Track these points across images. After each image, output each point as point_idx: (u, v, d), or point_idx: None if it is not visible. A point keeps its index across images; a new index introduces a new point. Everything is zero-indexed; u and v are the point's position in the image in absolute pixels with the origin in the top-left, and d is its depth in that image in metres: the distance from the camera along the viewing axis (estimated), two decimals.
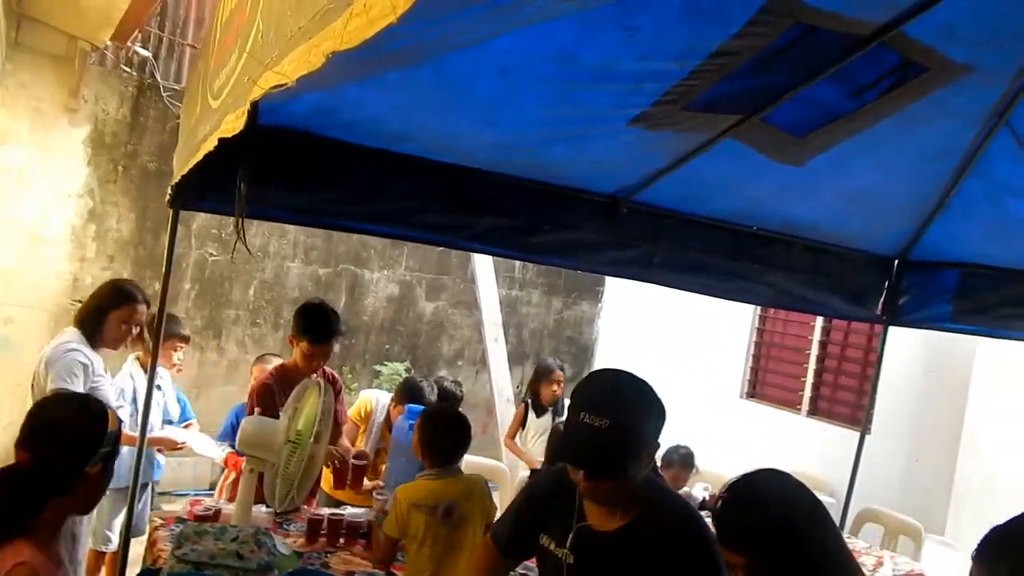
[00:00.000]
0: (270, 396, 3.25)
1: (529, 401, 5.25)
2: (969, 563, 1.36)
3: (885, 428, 5.80)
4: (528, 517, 2.05)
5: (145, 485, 3.96)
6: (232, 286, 6.74)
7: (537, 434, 5.21)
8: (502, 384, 6.97)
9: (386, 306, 7.53)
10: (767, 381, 7.30)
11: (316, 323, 3.44)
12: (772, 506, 1.55)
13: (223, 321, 6.72)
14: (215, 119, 1.50)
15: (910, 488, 5.53)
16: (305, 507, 3.36)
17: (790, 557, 1.49)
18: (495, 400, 6.92)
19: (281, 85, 1.03)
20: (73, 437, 1.73)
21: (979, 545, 1.35)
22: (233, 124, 1.31)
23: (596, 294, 8.86)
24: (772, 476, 1.62)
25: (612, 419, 1.70)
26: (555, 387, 5.12)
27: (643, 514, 1.81)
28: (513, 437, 5.35)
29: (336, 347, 4.94)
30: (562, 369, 5.25)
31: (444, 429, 2.88)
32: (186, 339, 4.17)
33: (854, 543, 4.41)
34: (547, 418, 5.21)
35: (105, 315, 3.42)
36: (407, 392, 4.02)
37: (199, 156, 1.76)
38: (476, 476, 3.00)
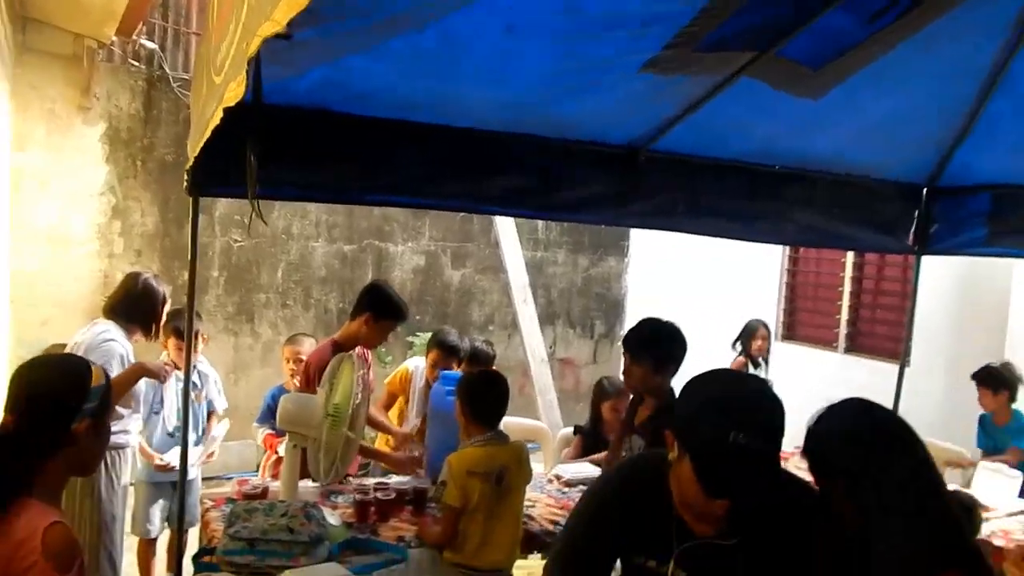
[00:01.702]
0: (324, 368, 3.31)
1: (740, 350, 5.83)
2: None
3: (924, 359, 5.74)
4: (615, 538, 1.74)
5: (192, 479, 4.03)
6: (260, 270, 6.80)
7: None
8: (535, 345, 6.99)
9: (413, 278, 7.56)
10: (801, 321, 7.25)
11: (399, 304, 3.67)
12: (872, 426, 1.55)
13: (254, 305, 6.79)
14: (219, 93, 1.49)
15: (951, 419, 5.47)
16: (350, 477, 3.42)
17: (870, 481, 1.48)
18: (529, 362, 6.94)
19: (277, 35, 1.03)
20: (53, 396, 1.70)
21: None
22: (235, 91, 1.30)
23: (622, 249, 8.81)
24: (853, 402, 1.61)
25: (769, 437, 1.49)
26: (761, 341, 5.81)
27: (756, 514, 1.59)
28: None
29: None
30: (766, 327, 5.93)
31: (484, 390, 2.90)
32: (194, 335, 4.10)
33: None
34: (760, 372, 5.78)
35: (138, 306, 3.52)
36: (437, 340, 4.11)
37: (207, 134, 1.76)
38: (520, 443, 3.02)
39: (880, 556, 1.45)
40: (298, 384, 3.72)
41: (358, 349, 3.47)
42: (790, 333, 7.31)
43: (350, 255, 7.16)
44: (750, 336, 5.90)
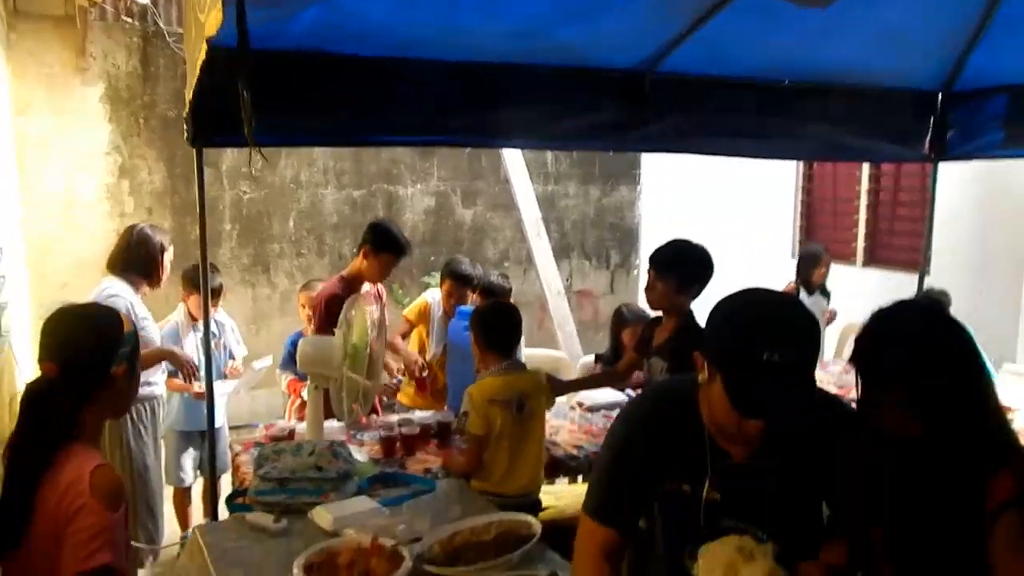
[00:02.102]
0: (340, 304, 3.37)
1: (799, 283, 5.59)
2: None
3: (945, 267, 5.68)
4: (646, 473, 1.70)
5: (219, 427, 4.11)
6: (271, 221, 6.80)
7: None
8: (551, 278, 6.98)
9: (424, 219, 7.54)
10: (818, 236, 7.18)
11: (397, 238, 3.72)
12: (933, 329, 1.46)
13: (269, 256, 6.82)
14: (204, 30, 1.47)
15: (976, 322, 5.43)
16: (374, 416, 3.48)
17: (958, 384, 1.41)
18: (546, 295, 6.94)
19: None
20: (94, 341, 1.78)
21: None
22: (214, 18, 1.29)
23: (633, 177, 8.71)
24: (921, 303, 1.57)
25: (801, 348, 1.45)
26: (823, 268, 5.52)
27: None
28: None
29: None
30: (828, 252, 5.66)
31: (497, 319, 2.92)
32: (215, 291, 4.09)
33: None
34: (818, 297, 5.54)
35: (136, 257, 3.57)
36: (450, 269, 4.15)
37: (197, 72, 1.74)
38: (538, 370, 3.05)
39: (935, 464, 1.43)
40: (312, 324, 3.78)
41: (371, 288, 3.50)
42: (807, 239, 7.27)
43: (360, 200, 7.14)
44: (811, 263, 5.52)
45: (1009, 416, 3.62)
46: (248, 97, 1.39)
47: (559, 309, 6.84)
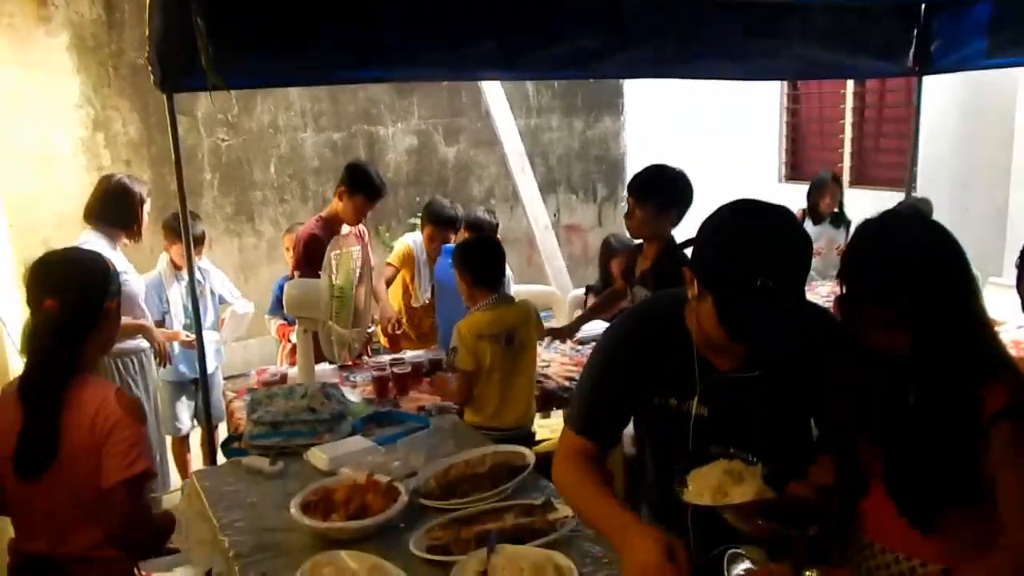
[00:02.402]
0: (318, 244, 3.39)
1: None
2: None
3: (931, 183, 5.67)
4: (628, 390, 1.70)
5: (212, 374, 4.11)
6: (252, 168, 6.71)
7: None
8: (537, 213, 6.95)
9: (407, 159, 7.45)
10: (805, 159, 7.16)
11: (372, 179, 3.74)
12: (921, 245, 1.40)
13: (252, 204, 6.74)
14: None
15: (962, 237, 5.45)
16: (365, 357, 3.48)
17: (948, 299, 1.37)
18: (533, 231, 6.92)
19: None
20: (89, 277, 1.95)
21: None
22: None
23: (617, 107, 8.60)
24: (907, 214, 1.49)
25: (794, 271, 1.44)
26: (828, 199, 5.32)
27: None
28: None
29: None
30: (836, 180, 5.46)
31: (480, 253, 2.91)
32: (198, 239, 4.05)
33: None
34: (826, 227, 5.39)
35: (114, 208, 3.52)
36: (428, 212, 4.12)
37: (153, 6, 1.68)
38: (526, 301, 3.05)
39: (925, 381, 1.42)
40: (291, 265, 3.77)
41: (352, 229, 3.49)
42: (794, 172, 7.23)
43: (340, 143, 7.04)
44: (816, 191, 5.37)
45: (997, 329, 3.66)
46: (203, 25, 1.34)
47: (547, 244, 6.83)
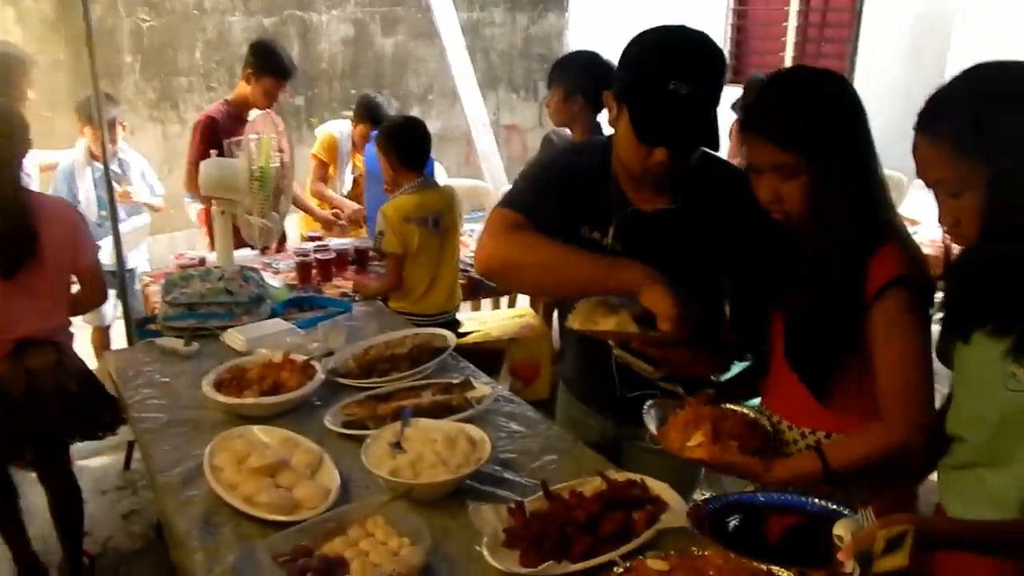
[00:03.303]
0: (214, 128, 3.33)
1: None
2: None
3: (870, 84, 5.69)
4: (562, 202, 1.67)
5: (131, 270, 3.95)
6: (176, 52, 6.34)
7: None
8: (476, 112, 6.77)
9: (343, 50, 7.14)
10: (750, 62, 7.12)
11: (280, 59, 3.54)
12: (837, 95, 1.37)
13: (176, 91, 6.41)
14: None
15: (896, 140, 5.54)
16: (290, 248, 3.40)
17: (846, 156, 1.34)
18: (472, 129, 6.77)
19: None
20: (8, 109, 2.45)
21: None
22: None
23: (562, 3, 8.34)
24: (818, 69, 1.43)
25: (708, 82, 1.45)
26: None
27: (693, 182, 1.61)
28: None
29: (300, 100, 4.77)
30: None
31: (405, 133, 2.82)
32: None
33: None
34: None
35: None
36: (365, 107, 3.96)
37: None
38: (449, 186, 2.99)
39: (823, 238, 1.39)
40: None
41: (265, 115, 3.33)
42: (737, 76, 7.17)
43: (271, 28, 6.69)
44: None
45: (912, 229, 3.75)
46: None
47: (484, 142, 6.69)
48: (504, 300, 4.16)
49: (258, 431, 1.76)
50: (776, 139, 1.35)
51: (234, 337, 2.31)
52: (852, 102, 1.38)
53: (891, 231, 1.39)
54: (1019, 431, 1.19)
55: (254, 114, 3.49)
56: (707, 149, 1.60)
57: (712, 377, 1.65)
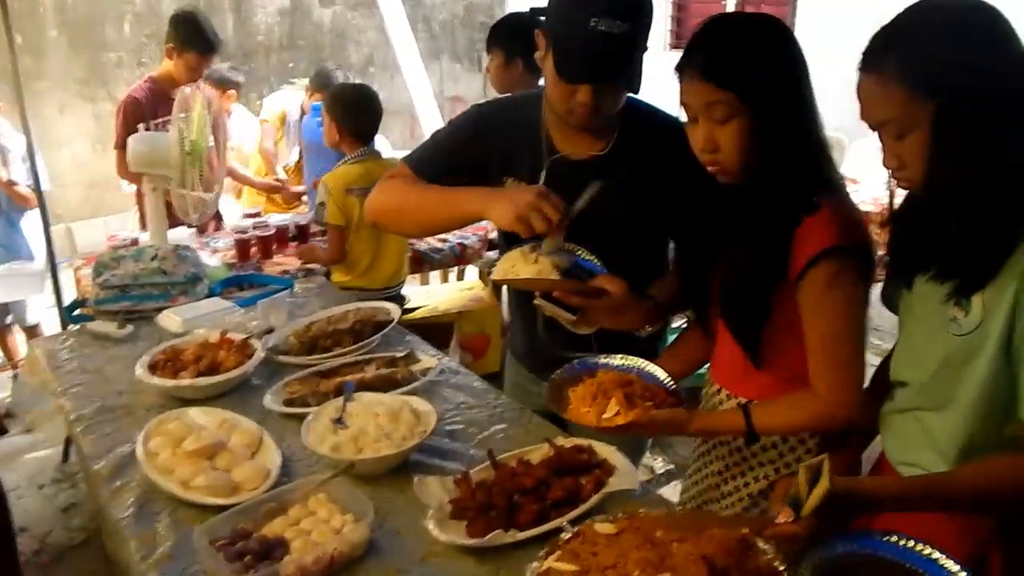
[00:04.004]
0: (138, 109, 3.21)
1: None
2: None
3: (812, 39, 5.74)
4: (477, 156, 1.68)
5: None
6: (104, 26, 6.12)
7: None
8: (419, 84, 6.67)
9: (279, 21, 6.96)
10: (690, 27, 7.11)
11: (203, 31, 3.38)
12: (777, 43, 1.32)
13: (105, 67, 6.19)
14: None
15: (826, 107, 5.61)
16: (228, 226, 3.30)
17: (784, 103, 1.29)
18: (415, 102, 6.66)
19: None
20: None
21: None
22: None
23: None
24: (760, 13, 1.40)
25: (631, 21, 1.43)
26: None
27: (623, 132, 1.61)
28: None
29: (241, 78, 4.63)
30: None
31: (356, 100, 2.75)
32: None
33: None
34: None
35: None
36: (321, 78, 3.87)
37: None
38: (394, 159, 2.92)
39: (756, 193, 1.35)
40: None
41: (194, 90, 3.22)
42: (677, 41, 7.20)
43: (203, 1, 6.48)
44: None
45: (852, 186, 3.81)
46: None
47: (429, 115, 6.60)
48: (453, 273, 4.12)
49: (195, 413, 1.70)
50: (710, 75, 1.30)
51: (169, 318, 2.23)
52: (793, 50, 1.34)
53: (828, 190, 1.35)
54: (958, 374, 1.19)
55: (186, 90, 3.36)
56: (636, 97, 1.59)
57: (639, 332, 1.62)
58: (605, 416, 1.42)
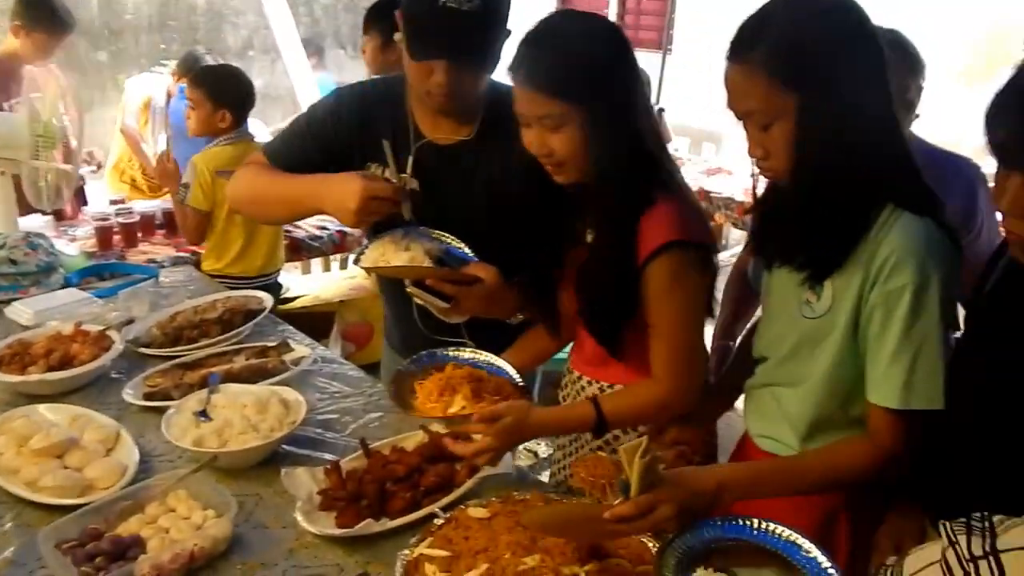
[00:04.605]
0: None
1: None
2: None
3: (687, 46, 5.92)
4: (338, 143, 1.63)
5: None
6: None
7: None
8: (301, 69, 6.48)
9: (150, 1, 6.62)
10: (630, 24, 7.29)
11: (53, 9, 3.16)
12: (601, 41, 1.30)
13: None
14: None
15: (710, 96, 5.79)
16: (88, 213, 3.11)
17: (615, 104, 1.27)
18: (296, 88, 6.47)
19: None
20: None
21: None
22: None
23: None
24: (585, 13, 1.36)
25: (482, 4, 1.41)
26: None
27: (490, 117, 1.58)
28: None
29: (104, 55, 4.38)
30: None
31: (229, 77, 2.64)
32: None
33: None
34: None
35: None
36: (189, 61, 3.68)
37: None
38: (267, 142, 2.82)
39: (594, 192, 1.34)
40: None
41: (45, 71, 3.02)
42: None
43: None
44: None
45: (727, 177, 3.95)
46: None
47: (311, 101, 6.41)
48: (335, 261, 4.02)
49: (44, 410, 1.59)
50: (538, 87, 1.27)
51: (19, 311, 2.07)
52: (626, 56, 1.32)
53: (667, 187, 1.34)
54: (811, 354, 1.24)
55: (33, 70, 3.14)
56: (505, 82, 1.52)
57: (511, 320, 1.62)
58: (451, 410, 1.41)
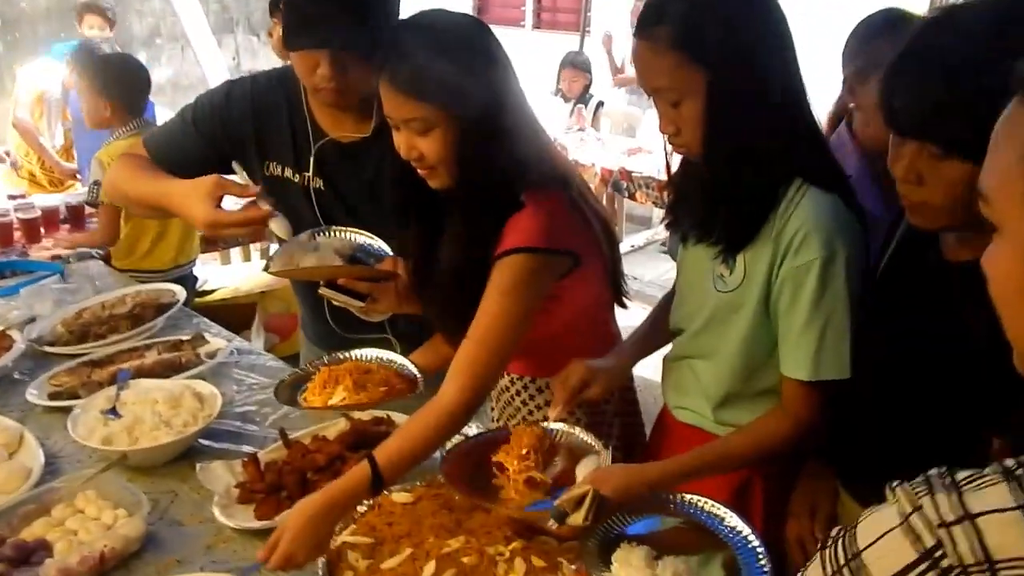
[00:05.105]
0: None
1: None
2: None
3: (600, 29, 5.97)
4: (227, 139, 1.55)
5: None
6: None
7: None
8: (211, 57, 6.30)
9: None
10: (492, 3, 7.25)
11: None
12: (468, 41, 1.23)
13: None
14: None
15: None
16: None
17: (484, 107, 1.19)
18: (207, 76, 6.28)
19: None
20: None
21: None
22: None
23: None
24: (456, 13, 1.30)
25: None
26: (569, 83, 5.01)
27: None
28: None
29: None
30: (579, 65, 5.04)
31: (121, 65, 2.54)
32: None
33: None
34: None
35: None
36: (83, 52, 3.51)
37: None
38: None
39: (461, 197, 1.28)
40: None
41: None
42: (481, 16, 7.27)
43: None
44: (560, 73, 5.10)
45: (646, 156, 3.97)
46: None
47: None
48: (256, 251, 3.91)
49: None
50: (401, 89, 1.20)
51: None
52: (490, 49, 1.26)
53: (539, 190, 1.27)
54: (723, 328, 1.27)
55: None
56: None
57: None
58: (331, 402, 1.40)
